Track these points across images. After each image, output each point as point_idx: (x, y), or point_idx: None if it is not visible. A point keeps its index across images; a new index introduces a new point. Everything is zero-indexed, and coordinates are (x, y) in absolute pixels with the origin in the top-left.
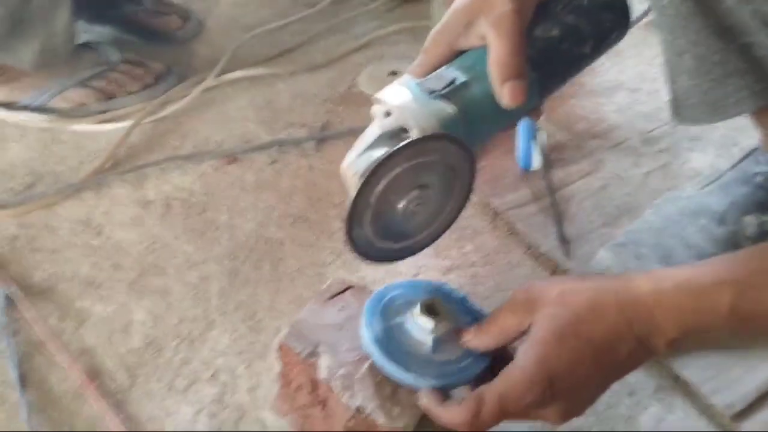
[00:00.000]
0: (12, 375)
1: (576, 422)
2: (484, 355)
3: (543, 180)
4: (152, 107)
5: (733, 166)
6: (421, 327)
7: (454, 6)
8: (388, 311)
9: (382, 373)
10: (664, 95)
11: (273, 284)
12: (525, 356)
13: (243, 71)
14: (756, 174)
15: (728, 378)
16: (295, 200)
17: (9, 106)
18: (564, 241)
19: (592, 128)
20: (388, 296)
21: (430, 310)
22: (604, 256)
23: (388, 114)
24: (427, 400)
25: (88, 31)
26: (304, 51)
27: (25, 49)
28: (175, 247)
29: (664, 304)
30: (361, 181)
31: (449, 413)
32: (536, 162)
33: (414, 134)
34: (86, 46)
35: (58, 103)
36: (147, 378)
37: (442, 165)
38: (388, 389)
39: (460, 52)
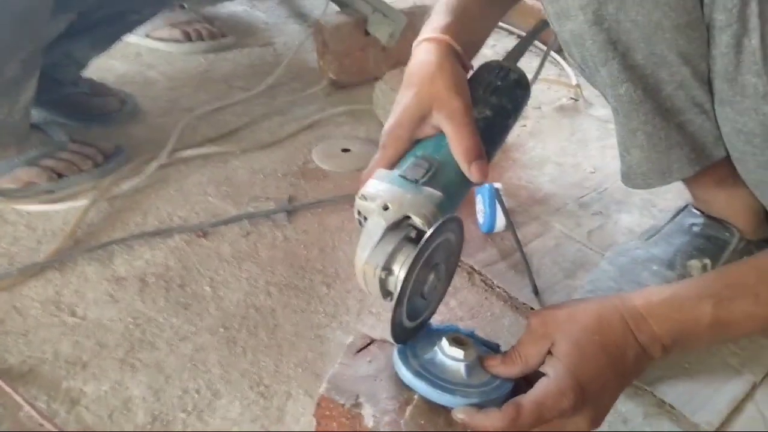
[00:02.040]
0: None
1: None
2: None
3: (507, 239)
4: (108, 185)
5: (670, 221)
6: (452, 356)
7: (404, 104)
8: (416, 352)
9: (428, 402)
10: (585, 167)
11: (274, 350)
12: (554, 369)
13: (196, 149)
14: (692, 225)
15: (701, 399)
16: (278, 269)
17: None
18: (537, 292)
19: (533, 196)
20: (410, 342)
21: (457, 341)
22: None
23: (386, 207)
24: (463, 414)
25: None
26: (250, 131)
27: None
28: (160, 321)
29: (656, 315)
30: (401, 281)
31: (490, 419)
32: (500, 223)
33: (417, 222)
34: (33, 126)
35: (4, 183)
36: None
37: (447, 242)
38: None
39: (415, 142)
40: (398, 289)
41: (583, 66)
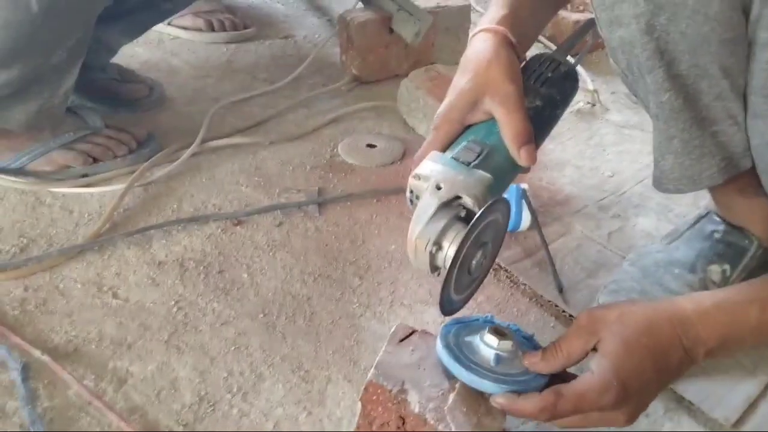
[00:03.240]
0: None
1: None
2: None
3: (530, 238)
4: (143, 171)
5: (691, 226)
6: (492, 345)
7: (458, 89)
8: (458, 340)
9: (469, 391)
10: (603, 171)
11: (312, 336)
12: (599, 366)
13: (226, 139)
14: (713, 231)
15: (719, 395)
16: (311, 259)
17: None
18: (561, 290)
19: (554, 197)
20: (452, 330)
21: (497, 332)
22: (605, 301)
23: (439, 187)
24: (503, 399)
25: None
26: (276, 123)
27: (20, 109)
28: (202, 306)
29: (706, 320)
30: (456, 250)
31: (529, 402)
32: (524, 223)
33: (468, 202)
34: (68, 110)
35: (39, 165)
36: None
37: (495, 223)
38: (474, 419)
39: (466, 126)
40: (448, 264)
41: (627, 72)
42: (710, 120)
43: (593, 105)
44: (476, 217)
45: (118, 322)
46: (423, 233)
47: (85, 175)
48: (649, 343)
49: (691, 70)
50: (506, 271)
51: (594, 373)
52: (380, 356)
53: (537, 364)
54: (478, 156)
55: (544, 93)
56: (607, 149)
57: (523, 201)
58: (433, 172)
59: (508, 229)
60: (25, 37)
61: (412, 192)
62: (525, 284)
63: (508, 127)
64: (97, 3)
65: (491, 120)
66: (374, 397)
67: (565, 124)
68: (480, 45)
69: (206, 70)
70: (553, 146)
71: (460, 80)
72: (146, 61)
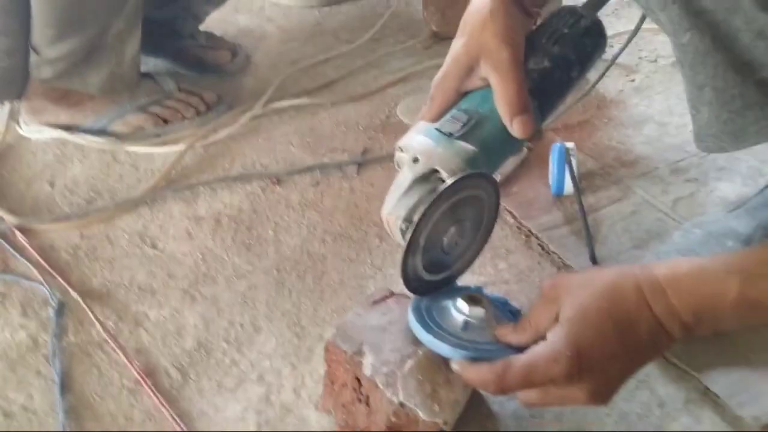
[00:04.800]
0: (56, 374)
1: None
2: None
3: (575, 204)
4: (204, 132)
5: (759, 192)
6: (461, 311)
7: (453, 54)
8: (431, 305)
9: (431, 360)
10: (690, 129)
11: (316, 294)
12: (553, 333)
13: (288, 101)
14: None
15: (755, 392)
16: (337, 219)
17: (72, 128)
18: (595, 262)
19: (620, 158)
20: (430, 297)
21: (473, 299)
22: None
23: (416, 160)
24: (457, 366)
25: (146, 62)
26: (345, 83)
27: (95, 75)
28: (224, 259)
29: (677, 287)
30: (412, 227)
31: (477, 371)
32: (569, 186)
33: (444, 176)
34: (145, 75)
35: (117, 126)
36: (199, 377)
37: (474, 199)
38: (428, 387)
39: (464, 94)
40: (409, 233)
41: (648, 12)
42: (754, 64)
43: None
44: (442, 188)
45: (149, 271)
46: (395, 209)
47: (157, 136)
48: (612, 308)
49: (718, 4)
50: (537, 238)
51: (547, 342)
52: (346, 316)
53: (507, 335)
54: (464, 126)
55: (556, 52)
56: None
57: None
58: (413, 143)
59: (553, 193)
60: (74, 9)
61: (397, 164)
62: (555, 253)
63: (501, 96)
64: None
65: (488, 86)
66: (334, 357)
67: (658, 76)
68: (478, 3)
69: (294, 33)
70: (638, 100)
71: (456, 44)
72: (243, 27)
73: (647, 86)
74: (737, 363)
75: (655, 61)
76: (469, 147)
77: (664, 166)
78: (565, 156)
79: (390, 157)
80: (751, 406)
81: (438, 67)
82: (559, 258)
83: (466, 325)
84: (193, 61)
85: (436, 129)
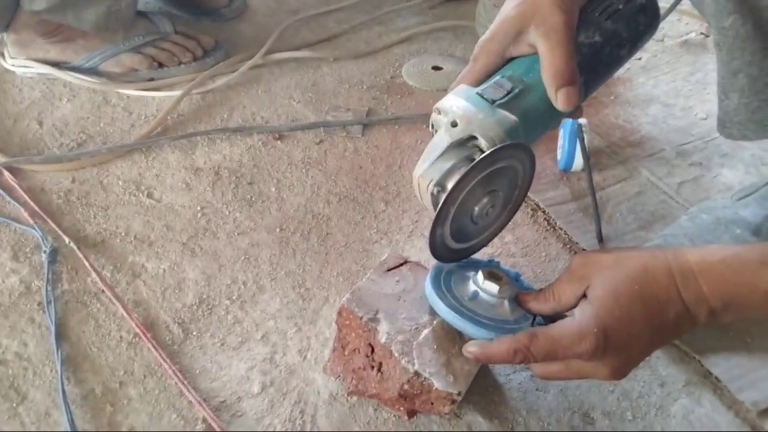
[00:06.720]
0: (51, 323)
1: (610, 407)
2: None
3: (584, 180)
4: (202, 79)
5: None
6: (482, 288)
7: (503, 16)
8: (450, 278)
9: (446, 330)
10: (697, 112)
11: (321, 256)
12: (582, 312)
13: (290, 52)
14: None
15: (755, 377)
16: (341, 180)
17: (61, 65)
18: (601, 239)
19: (627, 137)
20: (448, 267)
21: (493, 275)
22: None
23: (455, 124)
24: (475, 347)
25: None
26: (347, 38)
27: (91, 10)
28: (225, 214)
29: (709, 274)
30: (445, 193)
31: (502, 343)
32: (578, 162)
33: (483, 144)
34: (141, 14)
35: (109, 66)
36: (200, 333)
37: (510, 170)
38: (443, 357)
39: (509, 59)
40: (442, 200)
41: None
42: None
43: (707, 36)
44: (480, 157)
45: (146, 221)
46: (428, 172)
47: (151, 79)
48: (643, 291)
49: None
50: (544, 212)
51: (575, 318)
52: (361, 282)
53: (528, 302)
54: (508, 94)
55: (608, 28)
56: (709, 88)
57: (577, 138)
58: (453, 106)
59: (560, 168)
60: None
61: (433, 126)
62: (562, 229)
63: (548, 64)
64: None
65: (536, 54)
66: (347, 322)
67: (665, 56)
68: None
69: None
70: (644, 79)
71: (507, 6)
72: None
73: (654, 66)
74: (737, 348)
75: (662, 40)
76: (510, 117)
77: (669, 149)
78: (578, 132)
79: (396, 119)
80: (750, 390)
81: (443, 29)
82: (566, 234)
83: (487, 303)
84: (188, 3)
85: (478, 94)
